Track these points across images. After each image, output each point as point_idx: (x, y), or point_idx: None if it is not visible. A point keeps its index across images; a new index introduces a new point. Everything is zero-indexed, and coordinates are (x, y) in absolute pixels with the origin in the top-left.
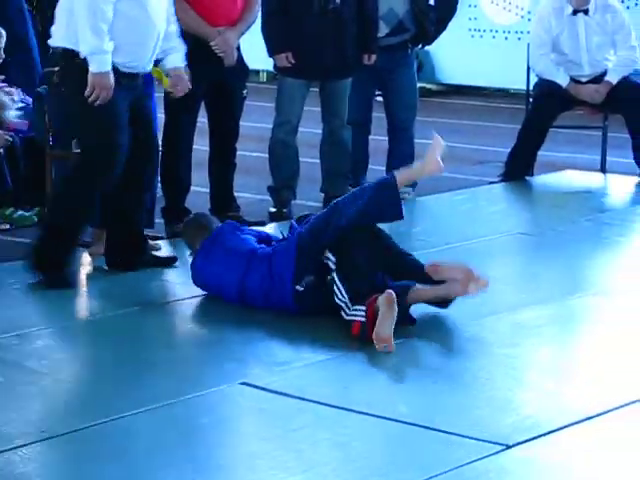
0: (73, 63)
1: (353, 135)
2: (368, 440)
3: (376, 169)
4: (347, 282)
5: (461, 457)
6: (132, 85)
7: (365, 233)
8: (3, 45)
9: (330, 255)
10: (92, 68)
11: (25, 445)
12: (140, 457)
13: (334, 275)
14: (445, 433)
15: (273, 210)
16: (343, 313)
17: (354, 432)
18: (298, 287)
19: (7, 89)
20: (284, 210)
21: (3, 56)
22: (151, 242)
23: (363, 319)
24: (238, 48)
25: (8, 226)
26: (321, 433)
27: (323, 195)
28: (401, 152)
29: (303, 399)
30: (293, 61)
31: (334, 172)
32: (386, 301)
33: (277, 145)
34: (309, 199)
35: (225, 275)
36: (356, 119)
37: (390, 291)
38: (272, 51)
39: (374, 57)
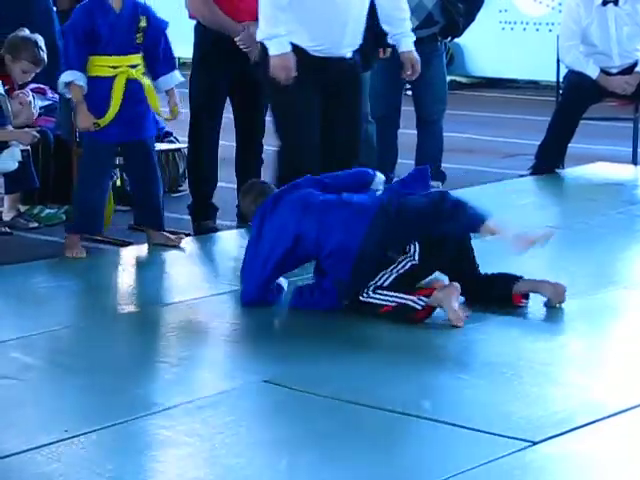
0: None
1: (381, 130)
2: (393, 437)
3: (405, 163)
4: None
5: (487, 454)
6: (324, 68)
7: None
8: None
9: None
10: (270, 51)
11: (48, 444)
12: (159, 456)
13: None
14: (470, 430)
15: None
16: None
17: (378, 430)
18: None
19: (37, 88)
20: None
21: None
22: (172, 237)
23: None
24: None
25: (36, 224)
26: (346, 431)
27: None
28: (430, 146)
29: (327, 397)
30: None
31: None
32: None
33: None
34: None
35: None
36: (385, 113)
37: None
38: None
39: (389, 51)
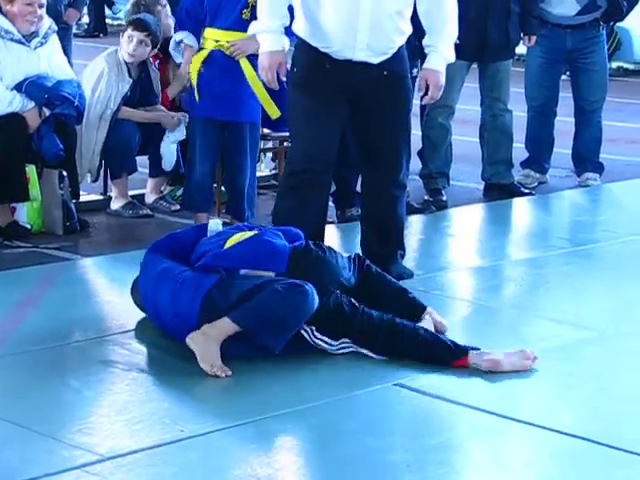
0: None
1: (538, 118)
2: (527, 453)
3: (562, 153)
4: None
5: (629, 475)
6: (344, 71)
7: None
8: None
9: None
10: (261, 47)
11: (163, 445)
12: (278, 461)
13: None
14: (611, 448)
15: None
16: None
17: (511, 443)
18: None
19: None
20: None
21: None
22: None
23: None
24: None
25: (178, 207)
26: (475, 444)
27: (484, 183)
28: (588, 136)
29: (459, 404)
30: (457, 41)
31: (497, 159)
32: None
33: (434, 128)
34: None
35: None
36: (541, 102)
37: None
38: None
39: (534, 39)
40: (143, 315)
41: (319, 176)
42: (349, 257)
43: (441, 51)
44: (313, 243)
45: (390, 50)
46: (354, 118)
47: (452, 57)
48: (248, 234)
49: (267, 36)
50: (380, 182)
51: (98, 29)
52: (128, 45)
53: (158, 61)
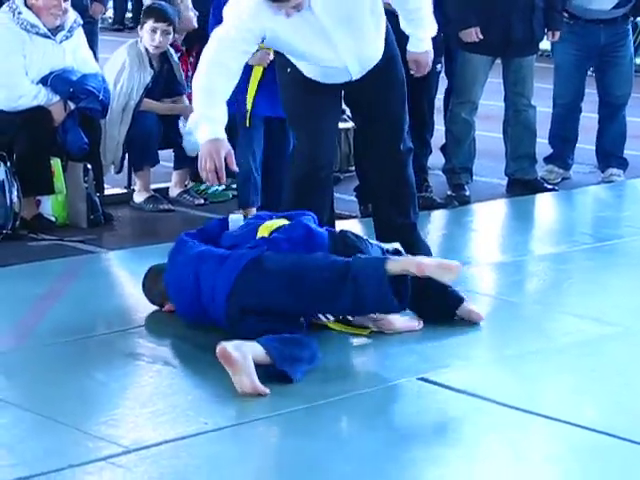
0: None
1: (563, 114)
2: (549, 447)
3: (585, 148)
4: None
5: None
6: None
7: None
8: None
9: None
10: (200, 135)
11: (186, 437)
12: (301, 454)
13: None
14: (635, 443)
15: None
16: None
17: (534, 438)
18: None
19: None
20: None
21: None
22: None
23: None
24: None
25: (203, 201)
26: (498, 439)
27: (507, 178)
28: (613, 131)
29: (482, 398)
30: (481, 36)
31: (520, 155)
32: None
33: (458, 124)
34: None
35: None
36: (569, 99)
37: None
38: (459, 26)
39: (558, 34)
40: None
41: (323, 175)
42: (381, 247)
43: (422, 37)
44: (347, 231)
45: (377, 59)
46: (353, 100)
47: (434, 32)
48: (281, 221)
49: (206, 126)
50: (384, 147)
51: (127, 22)
52: (152, 37)
53: (179, 53)
